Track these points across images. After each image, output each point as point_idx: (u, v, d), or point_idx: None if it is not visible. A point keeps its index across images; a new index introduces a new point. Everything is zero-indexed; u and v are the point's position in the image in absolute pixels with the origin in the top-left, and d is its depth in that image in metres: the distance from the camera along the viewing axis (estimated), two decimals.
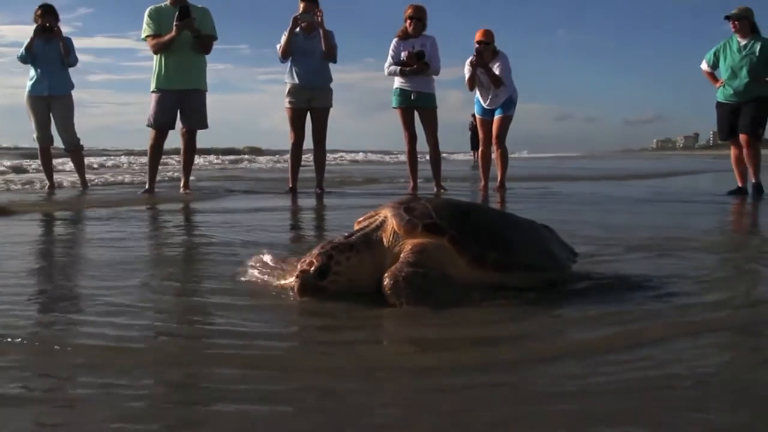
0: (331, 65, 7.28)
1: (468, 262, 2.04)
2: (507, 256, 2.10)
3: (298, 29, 7.06)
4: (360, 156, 30.79)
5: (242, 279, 2.31)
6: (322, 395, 1.34)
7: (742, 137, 7.20)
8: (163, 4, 6.88)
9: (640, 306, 2.01)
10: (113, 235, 3.77)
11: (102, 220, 4.72)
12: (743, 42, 7.11)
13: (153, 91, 6.90)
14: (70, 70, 7.68)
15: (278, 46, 7.16)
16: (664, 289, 2.23)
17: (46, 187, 7.70)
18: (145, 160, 7.57)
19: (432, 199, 2.24)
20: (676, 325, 1.80)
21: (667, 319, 1.85)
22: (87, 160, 9.35)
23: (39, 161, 8.07)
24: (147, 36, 6.85)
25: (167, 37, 6.69)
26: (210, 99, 7.11)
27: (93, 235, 4.08)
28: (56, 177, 8.20)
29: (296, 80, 7.15)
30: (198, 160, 13.72)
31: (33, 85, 7.53)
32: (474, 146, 18.66)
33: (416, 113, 7.51)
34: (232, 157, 23.12)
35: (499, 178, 7.79)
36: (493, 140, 7.79)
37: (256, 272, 2.29)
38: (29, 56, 7.47)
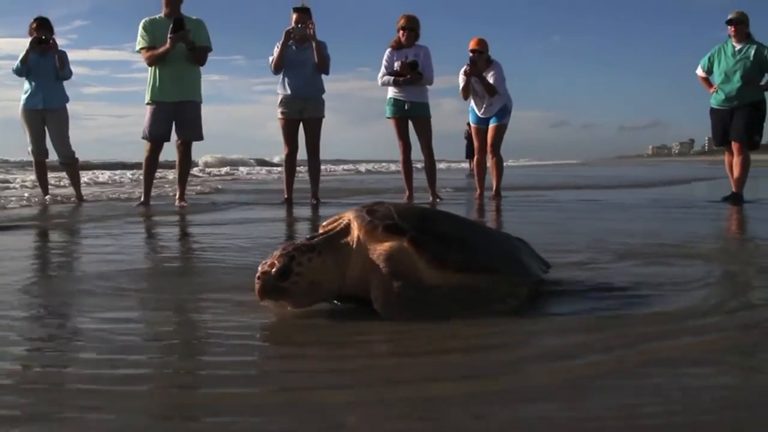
0: (324, 75, 7.31)
1: (427, 262, 2.00)
2: (469, 257, 2.07)
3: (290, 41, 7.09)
4: (357, 166, 30.81)
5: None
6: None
7: (735, 145, 7.20)
8: (157, 16, 6.88)
9: (615, 312, 2.04)
10: (108, 249, 3.77)
11: (96, 234, 4.72)
12: (738, 46, 7.12)
13: (148, 103, 6.90)
14: (65, 83, 7.70)
15: (270, 59, 7.20)
16: (641, 296, 2.25)
17: (44, 198, 7.69)
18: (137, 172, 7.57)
19: (398, 204, 2.21)
20: (649, 334, 1.81)
21: (640, 328, 1.86)
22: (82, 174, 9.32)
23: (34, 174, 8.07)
24: (141, 48, 6.86)
25: (162, 50, 6.70)
26: (205, 110, 7.13)
27: (87, 248, 4.08)
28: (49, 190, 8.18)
29: (288, 91, 7.18)
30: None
31: (28, 99, 7.53)
32: (469, 155, 18.69)
33: (410, 123, 7.55)
34: (226, 168, 23.21)
35: (494, 187, 7.81)
36: (488, 149, 7.82)
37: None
38: (24, 69, 7.48)
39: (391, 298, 1.95)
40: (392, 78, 7.37)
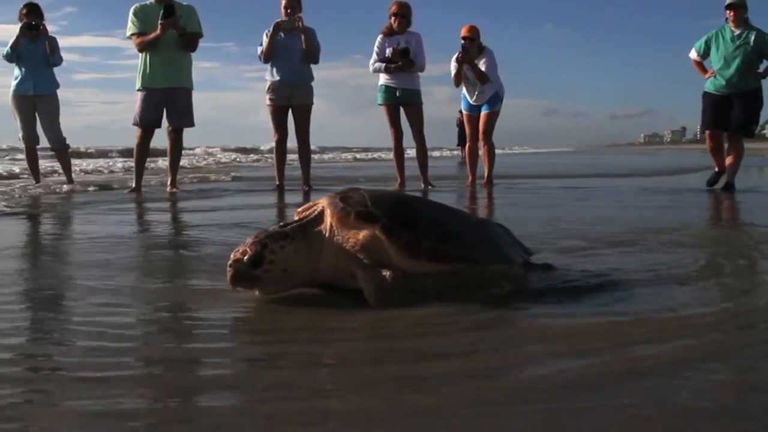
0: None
1: (399, 250, 1.98)
2: (443, 245, 2.03)
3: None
4: (350, 154, 30.75)
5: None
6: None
7: (732, 134, 7.21)
8: (148, 2, 6.85)
9: (597, 301, 2.04)
10: (98, 234, 3.77)
11: (88, 219, 4.71)
12: (737, 31, 7.02)
13: (139, 90, 6.88)
14: (55, 69, 7.67)
15: (259, 49, 7.20)
16: (625, 284, 2.25)
17: (33, 185, 7.66)
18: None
19: (373, 190, 2.19)
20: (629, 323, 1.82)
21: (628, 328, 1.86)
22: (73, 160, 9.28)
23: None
24: (132, 34, 6.83)
25: (152, 36, 6.67)
26: (196, 97, 7.13)
27: (78, 234, 4.08)
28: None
29: (276, 77, 7.18)
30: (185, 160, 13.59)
31: (18, 85, 7.51)
32: (461, 142, 18.68)
33: (402, 110, 7.54)
34: (223, 155, 23.15)
35: (486, 174, 7.81)
36: (480, 136, 7.82)
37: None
38: (14, 55, 7.45)
39: (382, 288, 1.95)
40: (384, 65, 7.37)
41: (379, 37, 7.46)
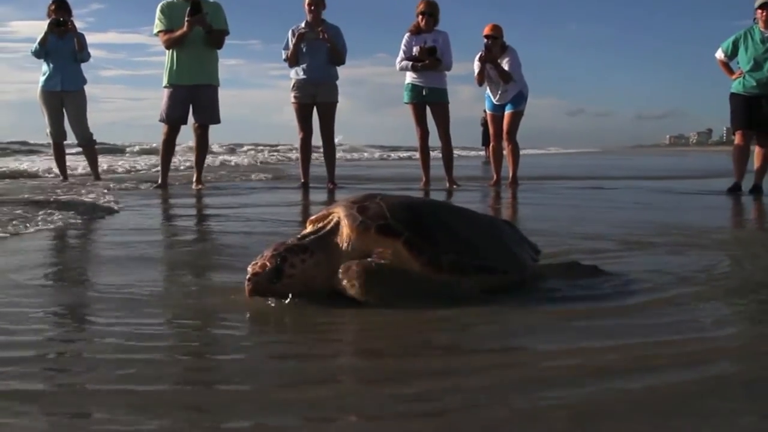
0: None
1: (422, 265, 1.97)
2: (462, 258, 2.03)
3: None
4: (373, 153, 30.71)
5: None
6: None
7: (762, 137, 7.06)
8: None
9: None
10: (122, 229, 3.79)
11: (113, 214, 4.73)
12: (767, 33, 6.93)
13: (165, 86, 6.93)
14: (82, 65, 7.74)
15: (284, 53, 7.24)
16: (636, 285, 2.25)
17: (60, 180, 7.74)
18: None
19: (387, 196, 2.14)
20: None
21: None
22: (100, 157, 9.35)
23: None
24: (159, 31, 6.88)
25: (179, 33, 6.70)
26: (222, 94, 7.14)
27: (102, 230, 4.09)
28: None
29: (301, 75, 7.20)
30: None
31: (46, 81, 7.59)
32: (485, 142, 18.59)
33: (428, 109, 7.51)
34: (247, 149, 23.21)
35: (510, 174, 7.75)
36: (504, 136, 7.76)
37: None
38: (43, 51, 7.53)
39: (371, 282, 1.93)
40: (410, 63, 7.34)
41: (407, 36, 7.42)
